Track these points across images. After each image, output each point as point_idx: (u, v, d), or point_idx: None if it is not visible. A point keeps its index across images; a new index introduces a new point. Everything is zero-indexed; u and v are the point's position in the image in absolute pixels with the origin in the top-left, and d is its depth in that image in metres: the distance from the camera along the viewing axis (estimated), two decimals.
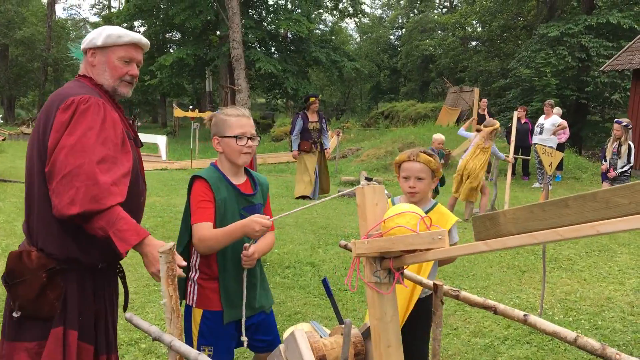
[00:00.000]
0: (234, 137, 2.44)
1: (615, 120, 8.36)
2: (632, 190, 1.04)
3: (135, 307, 4.35)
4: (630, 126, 8.14)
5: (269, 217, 2.35)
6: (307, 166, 9.69)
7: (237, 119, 2.47)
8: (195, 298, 2.50)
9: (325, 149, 9.90)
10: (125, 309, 2.38)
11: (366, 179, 2.82)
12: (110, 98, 2.22)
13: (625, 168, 8.03)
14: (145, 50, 2.34)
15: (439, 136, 9.14)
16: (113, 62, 2.20)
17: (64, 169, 1.92)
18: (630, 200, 1.04)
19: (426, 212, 2.46)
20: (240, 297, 2.47)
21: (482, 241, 1.38)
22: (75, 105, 2.01)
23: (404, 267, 1.73)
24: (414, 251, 1.57)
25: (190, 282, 2.54)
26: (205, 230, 2.38)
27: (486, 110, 13.23)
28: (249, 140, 2.46)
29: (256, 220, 2.28)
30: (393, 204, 2.72)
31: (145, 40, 2.30)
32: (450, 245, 2.81)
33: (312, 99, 9.70)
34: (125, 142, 2.12)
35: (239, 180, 2.55)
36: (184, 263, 2.02)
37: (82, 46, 2.27)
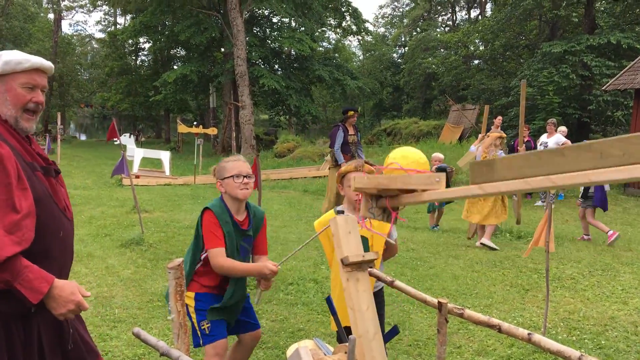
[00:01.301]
0: (231, 176, 2.93)
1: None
2: (626, 142, 1.06)
3: (139, 323, 4.36)
4: None
5: (277, 264, 2.91)
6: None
7: (234, 163, 2.99)
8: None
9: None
10: (67, 345, 2.09)
11: (338, 211, 3.04)
12: (11, 127, 2.01)
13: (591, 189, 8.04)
14: (49, 74, 2.15)
15: (437, 155, 9.28)
16: (14, 89, 2.01)
17: None
18: (624, 151, 1.07)
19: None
20: (232, 309, 3.02)
21: (477, 185, 1.39)
22: None
23: (400, 207, 1.77)
24: (411, 191, 1.59)
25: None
26: (223, 259, 2.86)
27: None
28: (245, 178, 2.93)
29: (268, 266, 2.87)
30: (336, 212, 3.05)
31: (48, 64, 2.11)
32: (391, 241, 3.03)
33: (350, 112, 9.34)
34: (22, 178, 1.87)
35: (241, 216, 3.04)
36: (88, 293, 2.02)
37: None
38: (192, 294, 2.95)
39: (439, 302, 2.18)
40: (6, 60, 2.00)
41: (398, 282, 2.41)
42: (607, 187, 8.49)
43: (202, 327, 2.91)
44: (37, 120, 2.12)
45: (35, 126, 2.12)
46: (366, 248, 2.99)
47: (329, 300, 2.51)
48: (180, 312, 1.78)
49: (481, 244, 7.33)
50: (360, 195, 2.90)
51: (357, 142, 9.49)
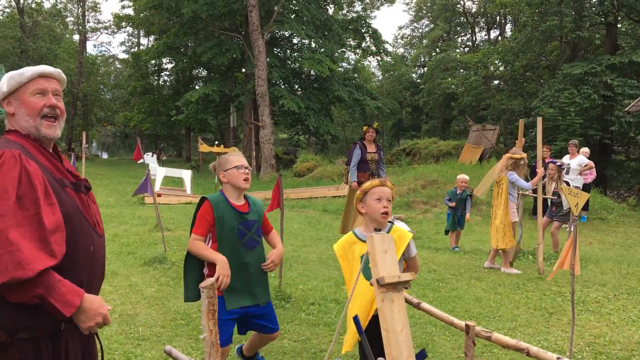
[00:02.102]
0: (235, 167, 3.36)
1: (550, 160, 8.37)
2: None
3: (162, 341, 4.40)
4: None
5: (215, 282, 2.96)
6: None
7: (236, 156, 3.44)
8: None
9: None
10: None
11: (375, 229, 3.06)
12: (41, 144, 2.07)
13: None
14: (58, 79, 2.17)
15: (462, 176, 9.19)
16: (27, 100, 2.05)
17: None
18: None
19: (387, 232, 2.90)
20: (238, 291, 3.35)
21: None
22: None
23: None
24: None
25: (204, 277, 3.42)
26: (193, 242, 3.34)
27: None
28: (245, 169, 3.38)
29: (222, 271, 3.21)
30: (355, 235, 3.11)
31: (53, 69, 2.13)
32: (411, 257, 3.09)
33: (365, 128, 8.98)
34: (49, 194, 1.91)
35: (239, 202, 3.42)
36: (110, 307, 2.17)
37: None
38: None
39: (466, 325, 2.19)
40: (10, 76, 2.06)
41: (424, 304, 2.43)
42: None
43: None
44: (60, 127, 2.14)
45: (59, 132, 2.13)
46: None
47: (356, 320, 2.52)
48: (212, 331, 1.82)
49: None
50: (389, 207, 3.02)
51: (378, 160, 8.99)
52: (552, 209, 8.86)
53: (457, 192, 9.11)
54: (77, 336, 2.05)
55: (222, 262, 3.22)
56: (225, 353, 3.51)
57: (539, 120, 6.71)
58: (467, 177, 9.12)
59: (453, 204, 8.96)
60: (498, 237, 7.13)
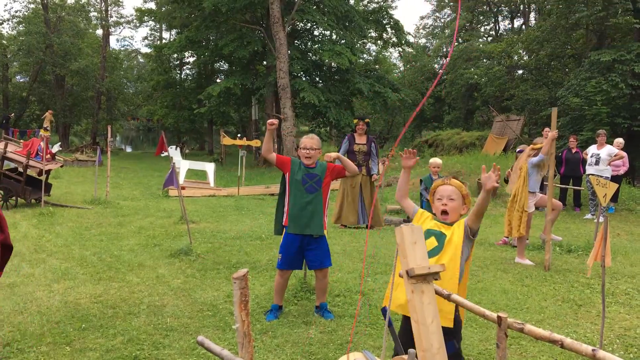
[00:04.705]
0: (301, 148, 4.75)
1: (518, 151, 8.13)
2: None
3: (190, 332, 4.44)
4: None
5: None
6: (348, 190, 9.52)
7: (304, 139, 4.76)
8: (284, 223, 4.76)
9: (372, 174, 9.56)
10: None
11: (404, 221, 3.07)
12: None
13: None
14: None
15: (435, 160, 8.73)
16: None
17: None
18: None
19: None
20: (297, 221, 4.63)
21: None
22: None
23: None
24: None
25: (284, 215, 4.75)
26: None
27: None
28: (308, 150, 4.68)
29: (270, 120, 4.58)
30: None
31: None
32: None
33: (355, 121, 9.64)
34: None
35: (309, 163, 4.71)
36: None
37: None
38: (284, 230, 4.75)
39: (498, 317, 2.16)
40: None
41: (455, 296, 2.40)
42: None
43: (278, 257, 4.75)
44: None
45: None
46: (441, 245, 3.03)
47: (384, 312, 2.52)
48: (244, 322, 1.82)
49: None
50: (448, 205, 3.04)
51: (367, 153, 9.43)
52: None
53: (434, 179, 8.56)
54: None
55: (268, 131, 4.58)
56: (284, 277, 4.77)
57: (554, 111, 6.62)
58: (440, 161, 8.72)
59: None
60: (515, 225, 7.11)
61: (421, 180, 9.00)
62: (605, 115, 17.26)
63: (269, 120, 4.60)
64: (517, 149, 8.45)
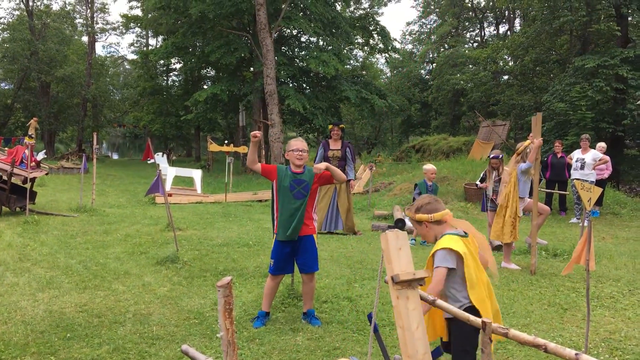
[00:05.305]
0: (292, 150, 4.72)
1: (492, 156, 8.25)
2: None
3: (177, 341, 4.41)
4: (501, 156, 8.25)
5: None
6: (320, 196, 9.41)
7: (295, 142, 4.78)
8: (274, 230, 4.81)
9: (349, 180, 9.52)
10: None
11: (389, 227, 3.09)
12: None
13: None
14: None
15: (432, 167, 8.72)
16: None
17: None
18: None
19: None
20: (287, 227, 4.63)
21: None
22: None
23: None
24: None
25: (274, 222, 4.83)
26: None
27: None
28: (300, 152, 4.69)
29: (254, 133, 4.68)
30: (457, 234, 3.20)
31: None
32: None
33: (330, 127, 9.61)
34: None
35: (298, 169, 4.72)
36: None
37: None
38: (274, 237, 4.82)
39: (482, 322, 2.17)
40: None
41: (440, 301, 2.41)
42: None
43: (270, 263, 4.80)
44: None
45: None
46: None
47: (370, 318, 2.52)
48: (229, 330, 1.82)
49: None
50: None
51: (342, 158, 9.40)
52: (493, 197, 8.59)
53: (429, 185, 8.69)
54: None
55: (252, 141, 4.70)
56: (275, 281, 4.84)
57: (538, 116, 6.70)
58: (434, 168, 8.74)
59: None
60: (506, 231, 7.08)
61: (416, 185, 9.05)
62: (590, 120, 17.46)
63: (253, 133, 4.66)
64: (491, 155, 8.55)
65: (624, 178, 20.57)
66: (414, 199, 8.87)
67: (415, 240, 8.87)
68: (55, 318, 4.89)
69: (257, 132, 4.67)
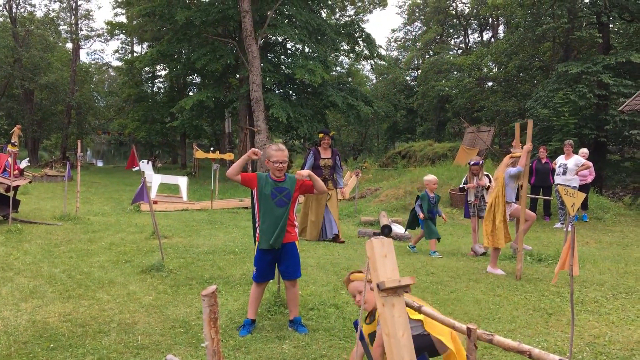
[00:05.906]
0: (272, 162, 4.65)
1: (472, 163, 8.52)
2: None
3: (162, 350, 4.37)
4: (481, 162, 8.71)
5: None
6: (313, 205, 9.46)
7: (276, 152, 4.66)
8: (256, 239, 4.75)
9: (339, 187, 9.59)
10: None
11: (375, 234, 3.08)
12: None
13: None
14: None
15: (434, 177, 8.70)
16: None
17: None
18: None
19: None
20: (269, 235, 4.61)
21: None
22: None
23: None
24: None
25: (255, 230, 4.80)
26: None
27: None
28: (280, 164, 4.65)
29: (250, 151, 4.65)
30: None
31: None
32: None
33: (321, 135, 9.50)
34: None
35: (279, 177, 4.71)
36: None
37: None
38: (256, 245, 4.77)
39: (468, 328, 2.18)
40: None
41: (425, 308, 2.42)
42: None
43: (253, 270, 4.78)
44: None
45: None
46: None
47: (356, 325, 2.52)
48: (214, 339, 1.81)
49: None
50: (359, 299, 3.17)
51: (333, 167, 9.41)
52: (475, 202, 8.69)
53: (431, 196, 8.62)
54: None
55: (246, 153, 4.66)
56: (260, 288, 4.82)
57: (517, 125, 6.79)
58: (436, 178, 8.76)
59: (421, 216, 8.51)
60: (499, 236, 7.12)
61: (417, 197, 8.88)
62: (573, 126, 17.67)
63: (254, 150, 4.62)
64: (471, 162, 8.66)
65: (607, 183, 20.82)
66: (413, 211, 8.84)
67: (415, 247, 8.92)
68: (39, 328, 4.83)
69: (259, 151, 4.64)
